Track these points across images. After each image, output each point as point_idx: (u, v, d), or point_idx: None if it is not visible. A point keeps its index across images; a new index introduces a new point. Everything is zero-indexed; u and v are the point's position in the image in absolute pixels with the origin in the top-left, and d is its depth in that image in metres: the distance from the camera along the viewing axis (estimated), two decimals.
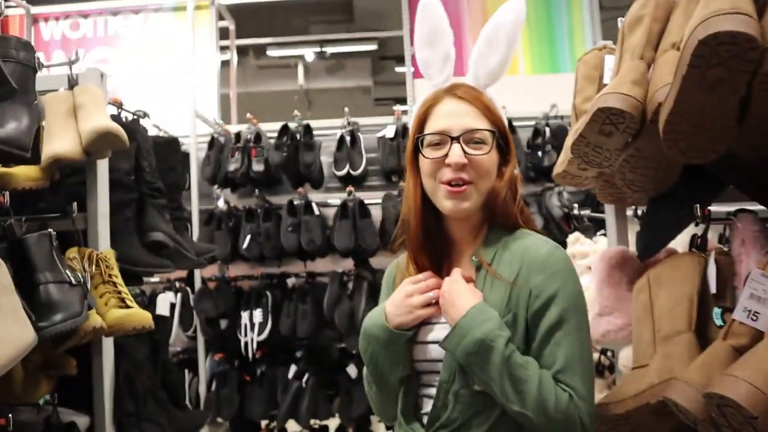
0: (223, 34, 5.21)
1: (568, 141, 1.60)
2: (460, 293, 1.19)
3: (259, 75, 8.15)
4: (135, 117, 2.20)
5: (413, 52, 4.62)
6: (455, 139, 1.21)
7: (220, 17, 4.98)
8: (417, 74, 4.51)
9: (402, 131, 3.94)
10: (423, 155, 1.26)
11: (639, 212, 1.63)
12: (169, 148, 2.34)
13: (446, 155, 1.21)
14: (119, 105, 2.13)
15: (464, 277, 1.23)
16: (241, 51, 7.65)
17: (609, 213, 1.77)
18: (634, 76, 1.16)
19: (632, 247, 1.67)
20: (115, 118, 2.12)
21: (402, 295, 1.25)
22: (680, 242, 1.48)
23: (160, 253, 2.04)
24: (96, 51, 4.64)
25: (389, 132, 3.95)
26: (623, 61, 1.28)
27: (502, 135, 1.27)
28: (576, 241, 2.23)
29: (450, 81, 1.32)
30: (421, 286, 1.25)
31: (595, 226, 2.80)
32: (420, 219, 1.29)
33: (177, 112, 4.20)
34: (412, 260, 1.32)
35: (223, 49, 5.29)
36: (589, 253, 2.09)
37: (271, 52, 7.62)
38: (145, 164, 2.06)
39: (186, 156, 3.84)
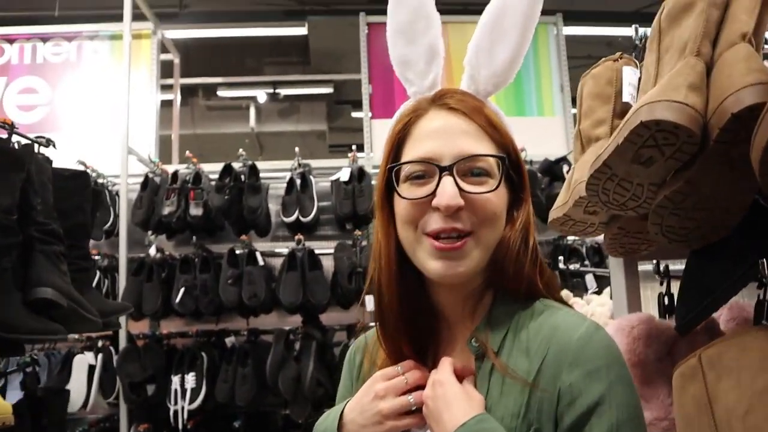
0: (169, 70, 4.84)
1: (574, 176, 1.26)
2: (449, 400, 0.80)
3: (209, 116, 7.75)
4: (30, 143, 1.78)
5: (371, 91, 4.41)
6: (446, 169, 0.83)
7: (165, 50, 4.61)
8: (376, 115, 4.21)
9: (358, 174, 3.61)
10: (398, 194, 0.87)
11: (661, 267, 1.29)
12: (76, 183, 1.92)
13: (433, 194, 0.83)
14: (11, 126, 1.71)
15: (459, 370, 0.85)
16: (190, 91, 7.29)
17: (616, 268, 1.43)
18: (690, 79, 0.83)
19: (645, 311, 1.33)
20: (4, 142, 1.70)
21: (370, 397, 0.86)
22: None
23: (51, 314, 1.60)
24: (21, 80, 4.20)
25: (344, 175, 3.60)
26: (663, 63, 0.95)
27: (514, 164, 0.89)
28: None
29: (438, 87, 0.95)
30: (398, 384, 0.86)
31: (583, 283, 2.47)
32: (396, 286, 0.90)
33: (110, 149, 3.79)
34: (385, 344, 0.92)
35: (169, 87, 4.91)
36: (585, 315, 1.72)
37: (222, 93, 7.26)
38: (36, 201, 1.64)
39: (98, 195, 3.33)
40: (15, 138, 1.79)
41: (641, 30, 1.32)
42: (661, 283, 1.30)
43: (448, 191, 0.82)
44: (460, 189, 0.83)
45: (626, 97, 1.17)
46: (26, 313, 1.52)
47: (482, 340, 0.85)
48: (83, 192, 1.93)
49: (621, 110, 1.20)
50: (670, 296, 1.28)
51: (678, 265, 1.39)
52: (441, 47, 0.97)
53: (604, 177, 0.99)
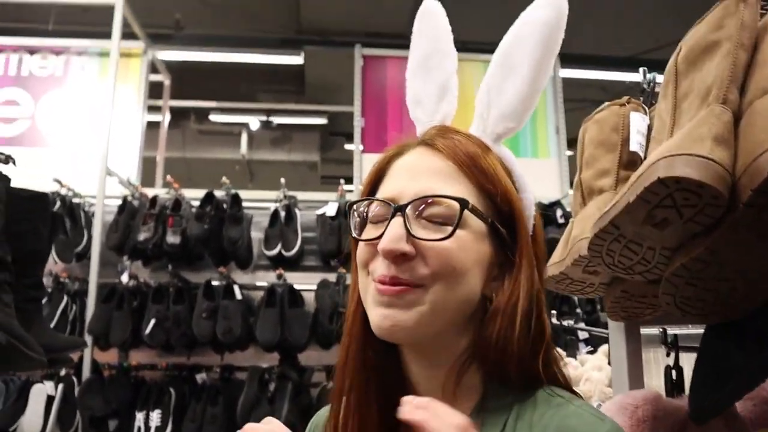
0: (160, 92, 4.74)
1: (574, 231, 1.13)
2: None
3: (199, 140, 7.63)
4: None
5: (362, 124, 4.31)
6: (399, 210, 0.72)
7: (155, 70, 4.51)
8: (367, 149, 4.10)
9: (345, 209, 3.47)
10: (352, 234, 0.78)
11: (668, 335, 1.15)
12: (35, 205, 1.77)
13: (381, 236, 0.72)
14: None
15: None
16: (183, 113, 7.19)
17: (616, 332, 1.28)
18: (715, 130, 0.70)
19: (651, 384, 1.19)
20: None
21: None
22: None
23: None
24: (4, 91, 4.05)
25: (330, 209, 3.48)
26: (681, 111, 0.83)
27: (504, 216, 0.76)
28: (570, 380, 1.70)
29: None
30: None
31: (577, 340, 2.33)
32: (360, 346, 0.77)
33: (91, 169, 3.65)
34: (344, 422, 0.78)
35: (158, 108, 4.81)
36: (580, 379, 1.58)
37: (215, 117, 7.16)
38: None
39: (57, 218, 3.20)
40: None
41: (649, 74, 1.20)
42: (668, 354, 1.16)
43: (390, 233, 0.70)
44: (410, 233, 0.71)
45: (634, 146, 1.05)
46: None
47: None
48: (41, 215, 1.77)
49: (628, 160, 1.08)
50: (679, 370, 1.14)
51: (685, 330, 1.26)
52: (454, 85, 0.85)
53: (609, 237, 0.86)
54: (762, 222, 0.72)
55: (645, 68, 1.19)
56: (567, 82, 4.57)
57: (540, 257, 0.78)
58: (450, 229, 0.71)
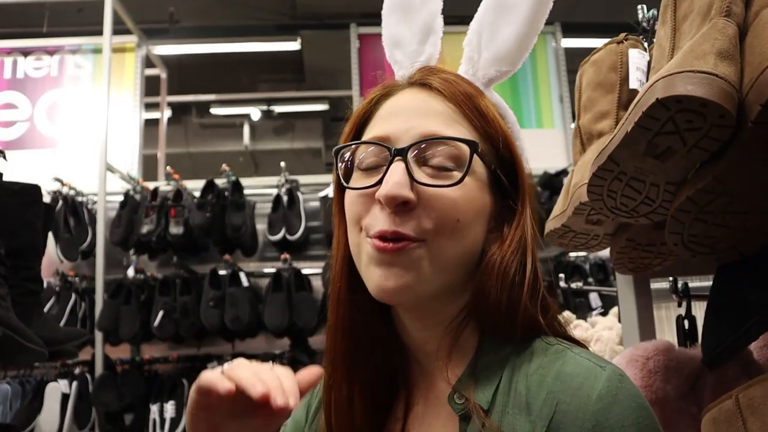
0: (157, 86, 4.69)
1: (574, 179, 1.08)
2: None
3: (202, 134, 7.60)
4: None
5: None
6: (399, 153, 0.65)
7: (151, 65, 4.47)
8: None
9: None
10: (342, 183, 0.70)
11: (679, 285, 1.10)
12: (26, 199, 1.73)
13: (380, 183, 0.65)
14: None
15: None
16: (183, 108, 7.15)
17: (625, 287, 1.23)
18: (719, 45, 0.65)
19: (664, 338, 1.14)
20: None
21: None
22: None
23: None
24: (1, 95, 4.02)
25: (332, 191, 3.41)
26: (681, 33, 0.77)
27: (505, 163, 0.71)
28: (567, 324, 1.66)
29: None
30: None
31: (587, 303, 2.28)
32: (349, 307, 0.72)
33: (91, 167, 3.61)
34: (337, 388, 0.73)
35: (157, 105, 4.76)
36: (590, 340, 1.53)
37: (215, 110, 7.11)
38: None
39: (50, 211, 3.21)
40: None
41: (648, 12, 1.14)
42: (680, 304, 1.10)
43: (393, 178, 0.63)
44: (413, 179, 0.64)
45: (634, 84, 0.99)
46: None
47: (466, 392, 0.65)
48: (34, 208, 1.74)
49: (627, 99, 1.02)
50: (691, 319, 1.08)
51: (698, 282, 1.21)
52: (439, 26, 0.80)
53: (609, 176, 0.81)
54: None
55: (644, 5, 1.13)
56: (570, 52, 4.49)
57: (533, 209, 0.73)
58: (457, 174, 0.65)
